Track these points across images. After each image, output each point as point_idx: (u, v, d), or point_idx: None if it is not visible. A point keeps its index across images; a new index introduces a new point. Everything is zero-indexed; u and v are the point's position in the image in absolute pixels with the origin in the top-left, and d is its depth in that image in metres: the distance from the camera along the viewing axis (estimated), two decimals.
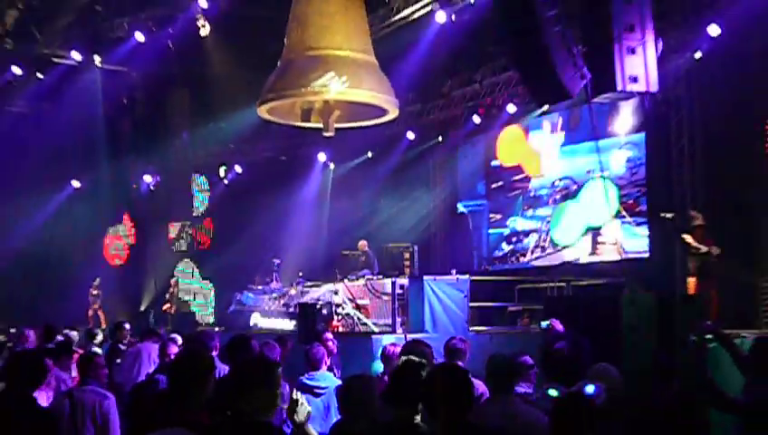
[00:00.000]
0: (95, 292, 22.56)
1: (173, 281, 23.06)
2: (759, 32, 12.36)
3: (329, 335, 9.17)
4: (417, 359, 4.96)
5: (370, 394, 4.55)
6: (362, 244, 17.07)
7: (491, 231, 19.06)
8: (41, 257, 24.09)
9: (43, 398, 6.39)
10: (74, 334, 11.85)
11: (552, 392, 5.61)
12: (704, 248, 11.71)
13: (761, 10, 11.84)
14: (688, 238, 11.96)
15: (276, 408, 4.16)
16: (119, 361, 10.02)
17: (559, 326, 9.13)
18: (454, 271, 14.80)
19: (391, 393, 4.26)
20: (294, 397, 4.30)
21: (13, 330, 13.07)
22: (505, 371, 5.54)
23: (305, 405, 4.27)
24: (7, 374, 5.57)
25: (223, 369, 6.48)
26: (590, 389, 5.22)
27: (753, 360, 5.50)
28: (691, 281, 11.87)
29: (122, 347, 10.97)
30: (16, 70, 20.72)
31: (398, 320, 13.52)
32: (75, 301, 22.56)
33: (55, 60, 20.66)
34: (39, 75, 21.03)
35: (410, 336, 12.20)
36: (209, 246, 25.56)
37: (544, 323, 9.63)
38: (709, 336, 7.82)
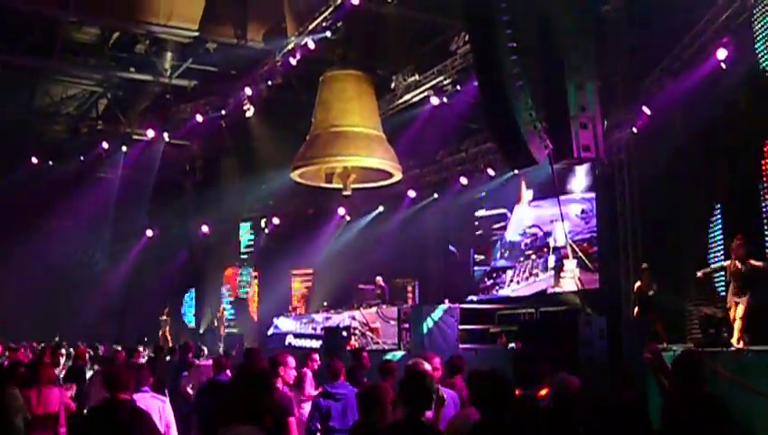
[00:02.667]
0: (164, 317, 22.48)
1: (221, 308, 22.95)
2: (680, 112, 12.53)
3: (365, 354, 9.11)
4: (425, 371, 4.95)
5: (383, 399, 4.53)
6: (378, 279, 16.99)
7: (476, 268, 18.95)
8: (127, 290, 24.38)
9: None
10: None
11: None
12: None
13: (680, 97, 12.06)
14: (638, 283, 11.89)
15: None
16: (186, 373, 9.98)
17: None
18: (446, 300, 14.77)
19: (405, 396, 4.24)
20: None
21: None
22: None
23: None
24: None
25: None
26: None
27: (674, 368, 5.45)
28: (635, 310, 11.80)
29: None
30: (105, 145, 21.08)
31: (403, 340, 13.47)
32: (151, 323, 22.63)
33: (135, 136, 21.01)
34: (123, 148, 21.33)
35: (413, 352, 12.17)
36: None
37: (511, 345, 9.74)
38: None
